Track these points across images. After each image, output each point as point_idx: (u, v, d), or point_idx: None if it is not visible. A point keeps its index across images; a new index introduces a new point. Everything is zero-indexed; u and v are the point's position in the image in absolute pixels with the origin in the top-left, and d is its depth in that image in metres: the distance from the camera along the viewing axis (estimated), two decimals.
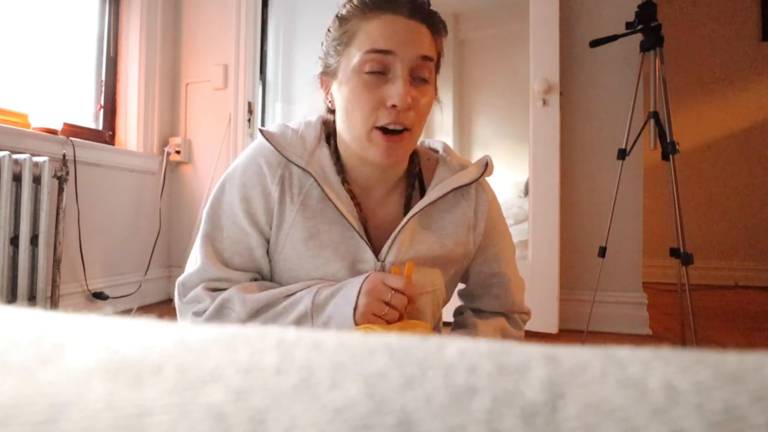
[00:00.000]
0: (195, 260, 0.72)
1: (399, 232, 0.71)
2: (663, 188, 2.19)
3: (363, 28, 0.65)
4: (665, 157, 1.75)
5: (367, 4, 0.65)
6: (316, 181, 0.69)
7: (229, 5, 2.55)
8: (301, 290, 0.68)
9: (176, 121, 2.66)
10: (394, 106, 0.62)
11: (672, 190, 1.73)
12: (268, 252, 0.74)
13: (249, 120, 2.54)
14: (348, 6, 0.67)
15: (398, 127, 0.64)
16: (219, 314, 0.68)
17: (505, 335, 0.82)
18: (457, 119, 2.80)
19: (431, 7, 0.69)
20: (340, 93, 0.68)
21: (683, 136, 2.48)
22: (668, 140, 1.73)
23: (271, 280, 0.76)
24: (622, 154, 1.81)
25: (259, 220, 0.71)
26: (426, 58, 0.64)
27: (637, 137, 1.84)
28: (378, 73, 0.63)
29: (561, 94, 2.00)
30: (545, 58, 2.00)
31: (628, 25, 1.84)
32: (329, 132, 0.76)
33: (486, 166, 0.77)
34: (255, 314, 0.67)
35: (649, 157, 2.15)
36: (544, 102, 1.99)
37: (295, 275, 0.72)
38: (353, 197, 0.73)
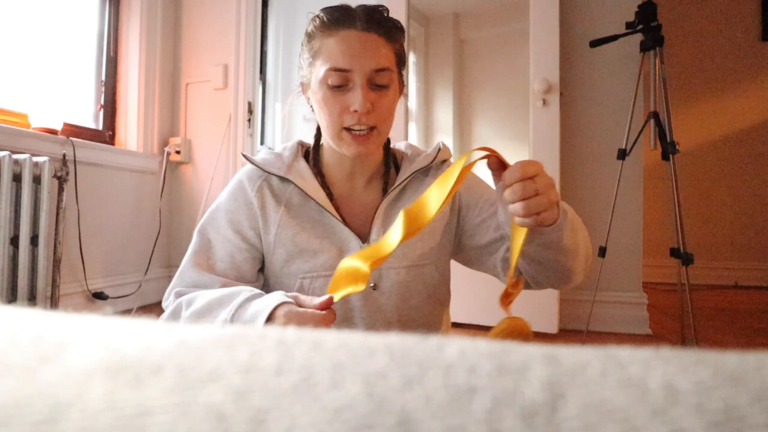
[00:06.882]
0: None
1: (377, 216, 0.81)
2: (663, 188, 2.19)
3: (324, 45, 0.75)
4: (665, 157, 1.75)
5: (326, 22, 0.75)
6: (295, 185, 0.79)
7: (229, 5, 2.55)
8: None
9: (176, 121, 2.66)
10: (356, 111, 0.73)
11: (672, 190, 1.73)
12: (264, 261, 0.81)
13: (249, 120, 2.54)
14: (312, 24, 0.77)
15: (363, 128, 0.75)
16: (173, 314, 0.73)
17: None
18: (457, 119, 2.80)
19: (386, 15, 0.78)
20: (314, 100, 0.79)
21: (683, 136, 2.47)
22: (668, 140, 1.73)
23: (267, 283, 0.83)
24: (622, 154, 1.81)
25: (242, 227, 0.80)
26: (380, 70, 0.74)
27: (637, 137, 1.84)
28: (340, 86, 0.74)
29: (561, 94, 2.00)
30: (545, 58, 2.00)
31: (628, 25, 1.84)
32: (306, 151, 0.88)
33: (439, 151, 0.87)
34: (197, 313, 0.69)
35: (649, 157, 2.15)
36: (544, 102, 1.99)
37: (287, 272, 0.80)
38: (331, 195, 0.82)
